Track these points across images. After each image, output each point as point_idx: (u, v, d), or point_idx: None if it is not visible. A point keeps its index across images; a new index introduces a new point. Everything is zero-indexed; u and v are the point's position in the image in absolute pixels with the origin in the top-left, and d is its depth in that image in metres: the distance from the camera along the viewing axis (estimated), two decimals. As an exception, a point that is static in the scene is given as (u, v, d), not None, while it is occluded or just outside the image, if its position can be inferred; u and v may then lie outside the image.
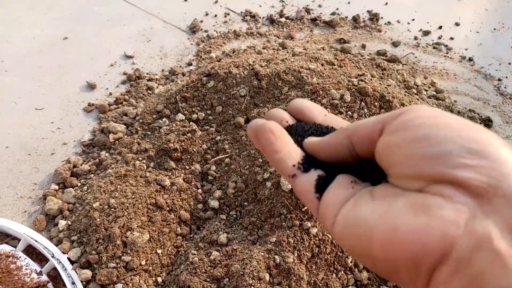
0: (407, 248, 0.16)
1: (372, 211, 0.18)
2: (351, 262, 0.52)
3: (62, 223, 0.55)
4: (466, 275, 0.15)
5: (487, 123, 0.77)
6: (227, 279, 0.47)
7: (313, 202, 0.20)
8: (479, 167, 0.16)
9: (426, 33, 0.96)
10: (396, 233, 0.16)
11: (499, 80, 0.87)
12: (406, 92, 0.69)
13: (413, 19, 0.99)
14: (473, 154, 0.16)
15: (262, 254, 0.48)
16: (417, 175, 0.17)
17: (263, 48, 0.83)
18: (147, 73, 0.80)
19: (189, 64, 0.83)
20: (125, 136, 0.65)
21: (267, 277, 0.46)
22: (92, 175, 0.60)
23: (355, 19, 0.97)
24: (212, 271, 0.48)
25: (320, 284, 0.49)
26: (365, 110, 0.61)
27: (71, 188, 0.59)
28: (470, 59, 0.91)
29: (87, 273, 0.49)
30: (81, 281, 0.49)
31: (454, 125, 0.18)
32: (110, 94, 0.76)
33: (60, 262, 0.51)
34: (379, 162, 0.19)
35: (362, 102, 0.61)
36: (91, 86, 0.76)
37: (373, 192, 0.19)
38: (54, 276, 0.51)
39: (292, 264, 0.47)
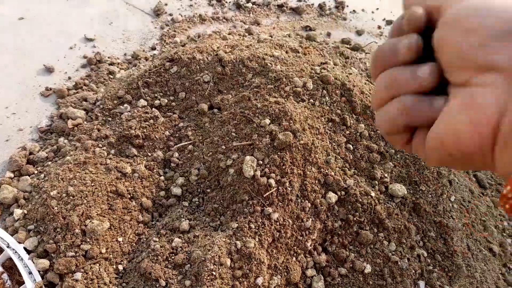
0: (469, 141, 0.20)
1: (438, 120, 0.22)
2: (310, 246, 0.53)
3: (18, 212, 0.53)
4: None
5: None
6: (188, 265, 0.48)
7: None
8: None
9: (390, 22, 0.98)
10: (458, 134, 0.20)
11: (456, 70, 0.91)
12: (367, 80, 0.70)
13: (377, 8, 1.01)
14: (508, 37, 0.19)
15: (224, 240, 0.48)
16: (465, 66, 0.20)
17: (229, 34, 0.82)
18: (108, 57, 0.77)
19: (153, 49, 0.81)
20: (85, 122, 0.63)
21: (228, 262, 0.47)
22: (49, 163, 0.59)
23: (321, 6, 0.97)
24: (173, 257, 0.48)
25: (281, 268, 0.51)
26: (327, 98, 0.63)
27: (27, 176, 0.57)
28: (430, 49, 0.94)
29: (45, 262, 0.48)
30: (39, 271, 0.48)
31: (496, 7, 0.20)
32: (69, 78, 0.73)
33: (16, 252, 0.49)
34: (439, 58, 0.22)
35: (324, 90, 0.62)
36: (49, 70, 0.73)
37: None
38: (10, 266, 0.49)
39: (253, 249, 0.48)
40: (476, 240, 0.62)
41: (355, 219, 0.55)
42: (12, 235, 0.51)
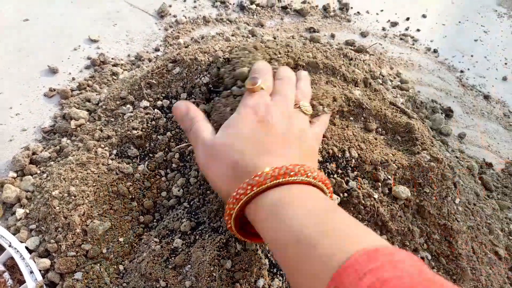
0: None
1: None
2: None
3: (20, 212, 0.53)
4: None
5: (448, 113, 0.79)
6: (189, 265, 0.47)
7: None
8: None
9: (394, 24, 0.98)
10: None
11: (462, 72, 0.90)
12: (372, 81, 0.70)
13: (381, 10, 1.00)
14: None
15: (224, 241, 0.48)
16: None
17: (232, 35, 0.82)
18: (112, 58, 0.78)
19: (156, 50, 0.81)
20: (88, 123, 0.63)
21: (229, 264, 0.47)
22: (52, 163, 0.59)
23: (325, 8, 0.97)
24: (174, 258, 0.48)
25: (282, 271, 0.50)
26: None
27: (29, 176, 0.57)
28: (435, 51, 0.93)
29: (46, 262, 0.48)
30: (40, 270, 0.48)
31: None
32: (73, 79, 0.73)
33: (17, 251, 0.49)
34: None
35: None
36: (53, 71, 0.74)
37: None
38: (11, 265, 0.50)
39: (253, 251, 0.48)
40: (481, 243, 0.62)
41: (357, 221, 0.54)
42: (14, 234, 0.51)
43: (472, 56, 0.95)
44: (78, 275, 0.48)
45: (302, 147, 0.40)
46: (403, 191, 0.58)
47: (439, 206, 0.60)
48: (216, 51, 0.64)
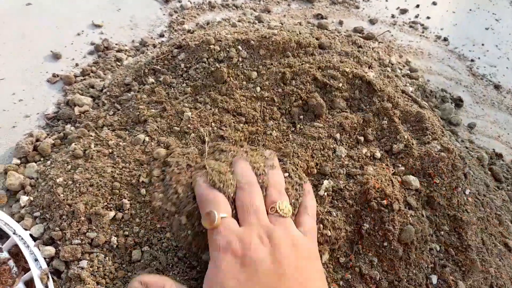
0: None
1: None
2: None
3: (24, 199, 0.53)
4: None
5: (458, 102, 0.78)
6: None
7: None
8: None
9: (404, 11, 0.96)
10: None
11: (472, 60, 0.88)
12: (380, 69, 0.68)
13: (391, -4, 0.98)
14: None
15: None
16: None
17: (238, 21, 0.81)
18: (116, 44, 0.76)
19: (161, 36, 0.79)
20: (91, 109, 0.62)
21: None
22: (56, 149, 0.58)
23: (333, -6, 0.95)
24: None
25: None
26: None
27: (33, 163, 0.56)
28: (445, 39, 0.91)
29: (51, 249, 0.48)
30: (44, 258, 0.48)
31: None
32: (77, 65, 0.72)
33: (22, 238, 0.49)
34: None
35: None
36: (56, 56, 0.72)
37: None
38: (16, 253, 0.49)
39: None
40: (491, 234, 0.61)
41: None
42: (18, 221, 0.51)
43: (483, 45, 0.92)
44: (83, 263, 0.47)
45: (299, 272, 0.34)
46: (413, 181, 0.57)
47: (449, 197, 0.59)
48: (223, 36, 0.62)
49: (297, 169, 0.50)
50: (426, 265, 0.54)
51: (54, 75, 0.69)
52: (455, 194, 0.59)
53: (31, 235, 0.49)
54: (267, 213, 0.40)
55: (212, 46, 0.60)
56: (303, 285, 0.33)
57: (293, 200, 0.44)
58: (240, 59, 0.60)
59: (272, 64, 0.60)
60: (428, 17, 0.95)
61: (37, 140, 0.59)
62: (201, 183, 0.43)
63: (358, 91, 0.61)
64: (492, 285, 0.57)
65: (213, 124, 0.56)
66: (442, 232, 0.58)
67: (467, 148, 0.71)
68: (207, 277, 0.35)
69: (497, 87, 0.84)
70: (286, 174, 0.47)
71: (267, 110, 0.58)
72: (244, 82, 0.60)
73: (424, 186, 0.58)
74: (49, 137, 0.60)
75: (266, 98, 0.58)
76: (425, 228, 0.55)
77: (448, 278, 0.54)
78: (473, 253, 0.57)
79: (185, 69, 0.61)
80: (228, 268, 0.33)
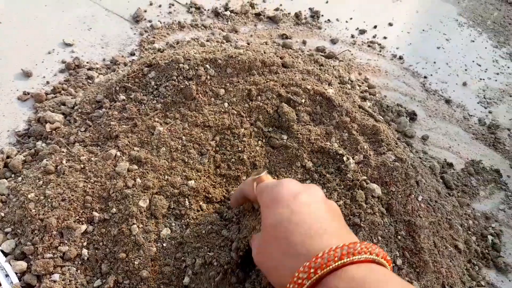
0: None
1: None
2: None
3: (-5, 215, 0.53)
4: None
5: (412, 116, 0.84)
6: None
7: None
8: None
9: (362, 31, 1.02)
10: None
11: (425, 77, 0.96)
12: (340, 86, 0.73)
13: (351, 18, 1.05)
14: None
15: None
16: None
17: (207, 41, 0.84)
18: (87, 62, 0.78)
19: (132, 54, 0.82)
20: (63, 126, 0.63)
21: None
22: (27, 166, 0.59)
23: (297, 15, 1.01)
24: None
25: None
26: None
27: (4, 179, 0.57)
28: (400, 58, 0.98)
29: (22, 264, 0.49)
30: (16, 273, 0.48)
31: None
32: (47, 82, 0.73)
33: (-8, 254, 0.49)
34: None
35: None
36: (27, 74, 0.73)
37: None
38: (-14, 269, 0.49)
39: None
40: (442, 237, 0.66)
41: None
42: (-12, 238, 0.51)
43: (435, 62, 1.00)
44: (55, 277, 0.48)
45: (338, 216, 0.40)
46: (377, 188, 0.61)
47: (404, 204, 0.64)
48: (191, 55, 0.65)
49: None
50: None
51: (24, 93, 0.70)
52: (409, 200, 0.64)
53: (2, 251, 0.50)
54: None
55: (181, 65, 0.63)
56: (348, 229, 0.40)
57: None
58: (208, 77, 0.63)
59: (238, 81, 0.64)
60: (385, 37, 1.03)
61: (8, 157, 0.60)
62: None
63: (319, 106, 0.66)
64: (444, 285, 0.62)
65: (183, 137, 0.59)
66: (399, 237, 0.62)
67: (420, 158, 0.76)
68: (262, 214, 0.40)
69: (448, 101, 0.91)
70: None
71: (235, 122, 0.61)
72: (213, 99, 0.63)
73: (384, 194, 0.63)
74: (20, 154, 0.61)
75: (234, 113, 0.62)
76: (390, 233, 0.60)
77: (404, 279, 0.58)
78: (426, 255, 0.61)
79: (155, 86, 0.63)
80: (282, 203, 0.39)
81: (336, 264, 0.30)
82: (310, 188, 0.41)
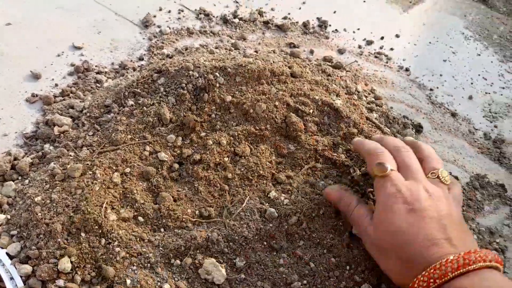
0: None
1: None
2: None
3: (1, 217, 0.53)
4: None
5: (418, 128, 0.84)
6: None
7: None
8: None
9: (370, 42, 1.03)
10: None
11: (431, 90, 0.96)
12: (347, 97, 0.74)
13: (358, 29, 1.05)
14: None
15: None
16: None
17: (216, 48, 0.85)
18: (96, 66, 0.78)
19: (141, 59, 0.82)
20: (71, 130, 0.63)
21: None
22: (34, 168, 0.59)
23: (305, 25, 1.01)
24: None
25: None
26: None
27: (11, 181, 0.57)
28: (407, 69, 0.99)
29: (27, 268, 0.48)
30: (21, 276, 0.48)
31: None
32: (56, 85, 0.74)
33: (-2, 257, 0.49)
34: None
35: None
36: (36, 76, 0.74)
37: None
38: (-9, 271, 0.49)
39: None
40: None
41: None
42: (-6, 240, 0.51)
43: (441, 75, 1.01)
44: (60, 283, 0.48)
45: (456, 224, 0.40)
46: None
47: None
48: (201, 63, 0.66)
49: None
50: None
51: (33, 95, 0.70)
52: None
53: (7, 254, 0.50)
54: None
55: (191, 72, 0.63)
56: (466, 234, 0.40)
57: None
58: (218, 85, 0.63)
59: (247, 90, 0.64)
60: (391, 49, 1.03)
61: (15, 158, 0.60)
62: (371, 141, 0.54)
63: (327, 117, 0.66)
64: None
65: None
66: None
67: (426, 171, 0.76)
68: (377, 217, 0.42)
69: (453, 115, 0.92)
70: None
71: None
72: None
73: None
74: (28, 156, 0.61)
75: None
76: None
77: None
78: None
79: (164, 93, 0.64)
80: (398, 211, 0.39)
81: (454, 274, 0.34)
82: (435, 192, 0.42)
